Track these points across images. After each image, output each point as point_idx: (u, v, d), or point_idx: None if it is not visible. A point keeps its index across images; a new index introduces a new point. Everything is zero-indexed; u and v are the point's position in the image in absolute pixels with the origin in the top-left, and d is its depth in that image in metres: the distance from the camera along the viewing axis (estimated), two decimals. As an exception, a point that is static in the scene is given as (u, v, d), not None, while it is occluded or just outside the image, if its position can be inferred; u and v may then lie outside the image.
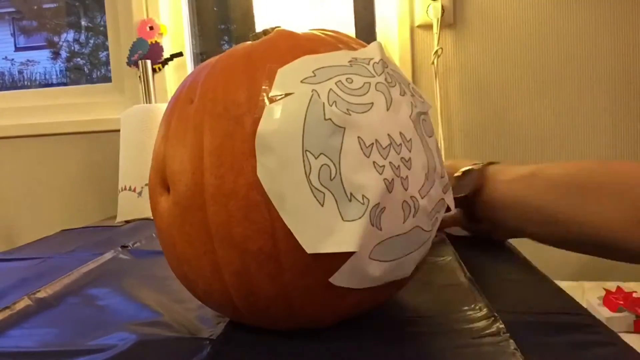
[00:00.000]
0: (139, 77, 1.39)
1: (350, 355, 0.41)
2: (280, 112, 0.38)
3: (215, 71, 0.44)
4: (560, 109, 1.44)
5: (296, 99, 0.39)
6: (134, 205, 1.22)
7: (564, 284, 0.59)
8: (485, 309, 0.48)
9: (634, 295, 1.10)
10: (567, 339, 0.42)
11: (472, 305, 0.50)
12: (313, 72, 0.40)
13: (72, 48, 2.13)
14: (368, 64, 0.43)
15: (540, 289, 0.55)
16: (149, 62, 1.39)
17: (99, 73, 2.14)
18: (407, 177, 0.41)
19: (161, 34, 1.52)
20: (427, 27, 1.45)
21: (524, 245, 0.75)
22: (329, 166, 0.37)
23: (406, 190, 0.40)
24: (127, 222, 1.20)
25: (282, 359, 0.42)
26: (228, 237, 0.39)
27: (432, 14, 1.42)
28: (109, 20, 1.61)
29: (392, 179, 0.39)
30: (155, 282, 0.64)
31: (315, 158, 0.37)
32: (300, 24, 1.28)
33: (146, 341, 0.45)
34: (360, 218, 0.37)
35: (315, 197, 0.37)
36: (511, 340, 0.41)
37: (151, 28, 1.51)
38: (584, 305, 0.81)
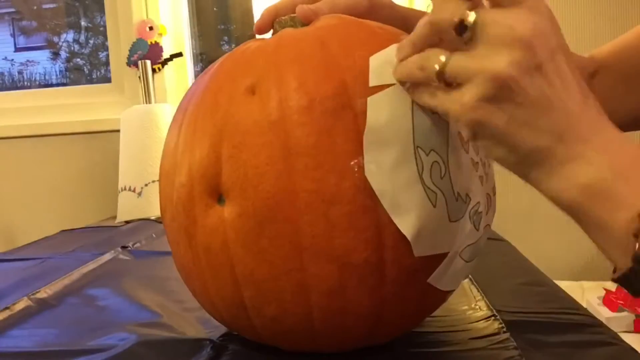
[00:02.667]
0: (139, 77, 1.38)
1: (348, 354, 0.41)
2: (388, 105, 0.34)
3: (281, 59, 0.37)
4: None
5: (399, 90, 0.34)
6: (134, 205, 1.22)
7: (564, 284, 0.59)
8: (485, 309, 0.48)
9: (634, 295, 1.10)
10: (567, 339, 0.42)
11: (472, 305, 0.50)
12: None
13: (72, 48, 2.13)
14: None
15: (540, 289, 0.55)
16: (148, 62, 1.39)
17: (98, 73, 2.14)
18: (486, 174, 0.38)
19: (161, 34, 1.52)
20: (427, 27, 1.44)
21: (524, 245, 0.75)
22: (439, 163, 0.34)
23: (482, 186, 0.38)
24: (127, 222, 1.19)
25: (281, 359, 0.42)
26: (326, 250, 0.34)
27: (432, 14, 1.42)
28: (108, 21, 1.61)
29: (482, 176, 0.37)
30: (155, 282, 0.64)
31: (427, 155, 0.34)
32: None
33: (146, 341, 0.45)
34: (462, 218, 0.35)
35: (428, 197, 0.33)
36: (511, 340, 0.41)
37: (151, 28, 1.51)
38: (584, 305, 0.81)
